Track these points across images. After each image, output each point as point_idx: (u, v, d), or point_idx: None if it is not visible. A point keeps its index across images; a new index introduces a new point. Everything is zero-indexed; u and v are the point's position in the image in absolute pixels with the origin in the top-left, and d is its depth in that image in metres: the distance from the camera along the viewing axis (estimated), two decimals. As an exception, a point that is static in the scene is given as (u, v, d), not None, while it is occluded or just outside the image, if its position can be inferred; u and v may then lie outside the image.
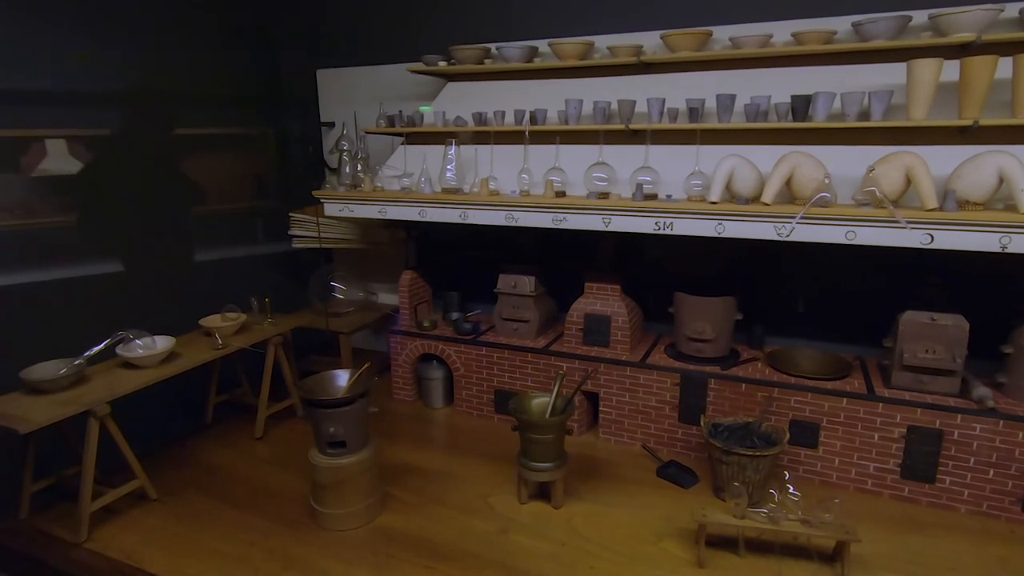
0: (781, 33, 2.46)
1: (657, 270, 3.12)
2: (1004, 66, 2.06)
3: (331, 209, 3.03)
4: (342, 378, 2.36)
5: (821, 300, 2.90)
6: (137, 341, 2.59)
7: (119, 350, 2.55)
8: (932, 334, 2.41)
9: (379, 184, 2.99)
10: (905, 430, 2.41)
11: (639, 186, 2.41)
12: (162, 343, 2.64)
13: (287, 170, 3.81)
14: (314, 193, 3.06)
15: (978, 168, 1.98)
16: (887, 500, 2.49)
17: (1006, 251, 1.98)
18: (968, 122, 2.05)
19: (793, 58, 2.43)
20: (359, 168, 3.06)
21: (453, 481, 2.63)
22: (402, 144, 3.09)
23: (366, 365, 2.39)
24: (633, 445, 2.87)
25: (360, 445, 2.28)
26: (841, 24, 2.39)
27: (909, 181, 2.05)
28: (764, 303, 2.96)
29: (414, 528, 2.32)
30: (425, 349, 3.26)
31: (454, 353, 3.18)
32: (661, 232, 2.40)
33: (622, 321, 2.86)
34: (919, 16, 2.27)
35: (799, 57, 2.42)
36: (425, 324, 3.29)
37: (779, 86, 2.40)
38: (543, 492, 2.47)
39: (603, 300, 2.91)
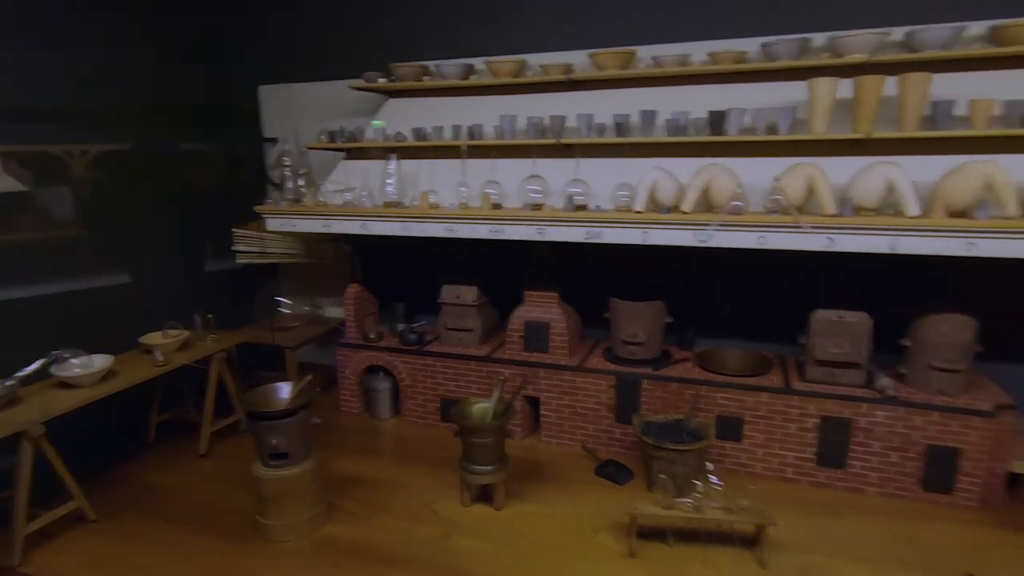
0: (699, 53, 2.64)
1: (598, 278, 3.25)
2: (893, 84, 2.29)
3: (273, 224, 3.06)
4: (285, 390, 2.40)
5: (746, 302, 3.09)
6: (73, 360, 2.56)
7: (54, 370, 2.51)
8: (840, 331, 2.61)
9: (322, 199, 3.04)
10: (819, 420, 2.60)
11: (570, 197, 2.53)
12: (99, 362, 2.61)
13: (231, 186, 3.81)
14: (256, 208, 3.09)
15: (870, 177, 2.18)
16: (805, 487, 2.67)
17: (896, 252, 2.18)
18: (861, 135, 2.25)
19: (709, 76, 2.61)
20: (301, 183, 3.10)
21: (398, 489, 2.68)
22: (344, 159, 3.14)
23: (308, 377, 2.43)
24: (574, 446, 2.98)
25: (303, 456, 2.32)
26: (751, 45, 2.58)
27: (811, 190, 2.24)
28: (695, 307, 3.13)
29: (359, 536, 2.37)
30: (371, 361, 3.30)
31: (400, 364, 3.23)
32: (591, 241, 2.53)
33: (560, 327, 2.97)
34: (819, 38, 2.48)
35: (714, 75, 2.60)
36: (371, 336, 3.34)
37: (697, 102, 2.58)
38: (486, 495, 2.55)
39: (542, 308, 3.03)
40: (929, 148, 2.26)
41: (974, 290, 2.59)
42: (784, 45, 2.43)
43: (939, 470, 2.49)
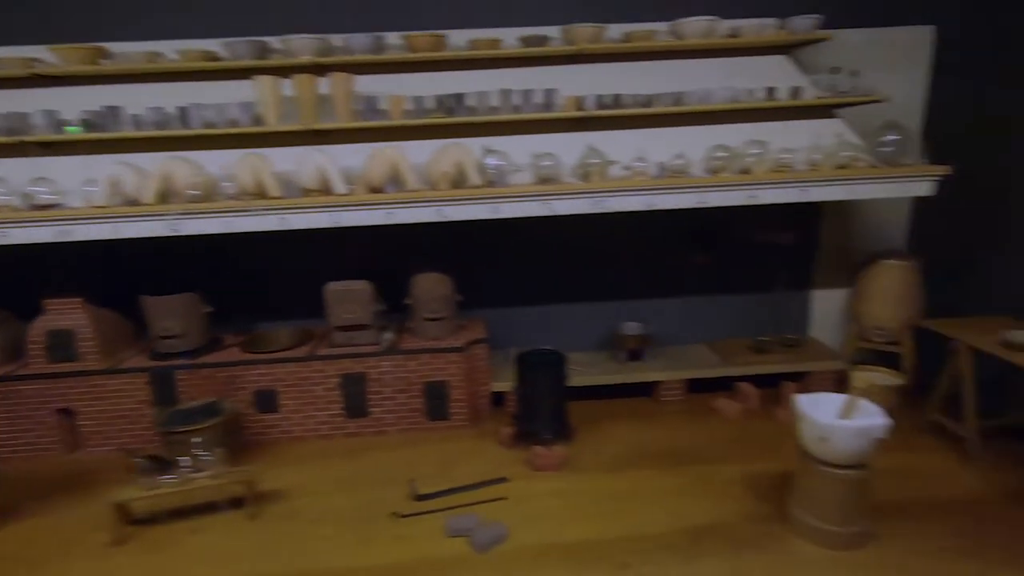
0: (170, 51, 2.72)
1: (155, 279, 3.19)
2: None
3: None
4: None
5: (296, 283, 3.29)
6: None
7: None
8: (350, 298, 2.98)
9: None
10: (339, 379, 2.95)
11: (29, 195, 2.43)
12: None
13: None
14: None
15: (305, 163, 2.51)
16: (340, 439, 3.01)
17: (339, 225, 2.56)
18: (303, 127, 2.58)
19: (180, 74, 2.71)
20: None
21: None
22: None
23: None
24: (117, 451, 2.92)
25: None
26: (221, 46, 2.73)
27: (257, 177, 2.49)
28: (245, 293, 3.26)
29: None
30: None
31: None
32: (63, 240, 2.47)
33: (88, 333, 2.85)
34: (275, 41, 2.72)
35: (185, 73, 2.71)
36: None
37: (169, 98, 2.66)
38: (-29, 524, 2.36)
39: (66, 315, 2.87)
40: (367, 136, 2.68)
41: (452, 252, 3.17)
42: (242, 46, 2.64)
43: (436, 401, 3.02)
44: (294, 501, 2.51)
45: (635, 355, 3.31)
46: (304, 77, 2.52)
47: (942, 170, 2.69)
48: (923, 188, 2.71)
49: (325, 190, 2.55)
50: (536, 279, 3.38)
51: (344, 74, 2.54)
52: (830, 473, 2.07)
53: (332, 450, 2.92)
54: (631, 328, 3.33)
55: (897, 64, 3.19)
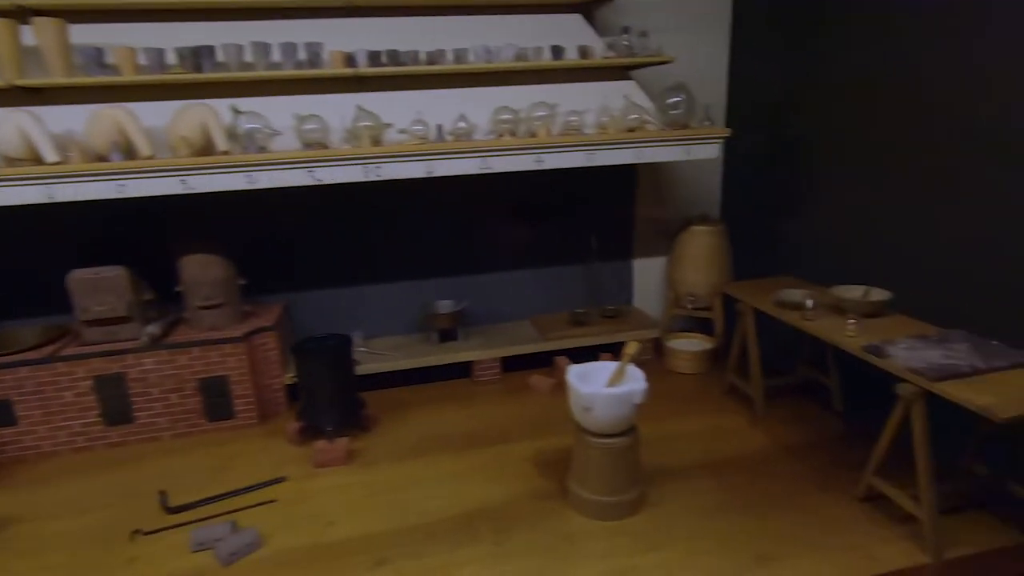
0: None
1: None
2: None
3: None
4: None
5: (39, 273, 2.81)
6: None
7: None
8: (101, 287, 2.57)
9: None
10: (92, 382, 2.54)
11: None
12: None
13: None
14: None
15: (5, 127, 2.10)
16: (100, 450, 2.61)
17: (53, 200, 2.17)
18: (5, 84, 2.15)
19: None
20: None
21: None
22: None
23: None
24: None
25: None
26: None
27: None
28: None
29: None
30: None
31: None
32: None
33: None
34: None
35: None
36: None
37: None
38: None
39: None
40: (93, 96, 2.29)
41: (229, 229, 2.84)
42: (-77, -18, 2.16)
43: (216, 399, 2.68)
44: (17, 529, 2.11)
45: (448, 335, 3.14)
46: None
47: (724, 132, 2.71)
48: (709, 151, 2.72)
49: (35, 159, 2.14)
50: (344, 257, 3.10)
51: (51, 19, 2.13)
52: (596, 443, 1.99)
53: (87, 464, 2.51)
54: (444, 306, 3.15)
55: (700, 25, 3.19)
